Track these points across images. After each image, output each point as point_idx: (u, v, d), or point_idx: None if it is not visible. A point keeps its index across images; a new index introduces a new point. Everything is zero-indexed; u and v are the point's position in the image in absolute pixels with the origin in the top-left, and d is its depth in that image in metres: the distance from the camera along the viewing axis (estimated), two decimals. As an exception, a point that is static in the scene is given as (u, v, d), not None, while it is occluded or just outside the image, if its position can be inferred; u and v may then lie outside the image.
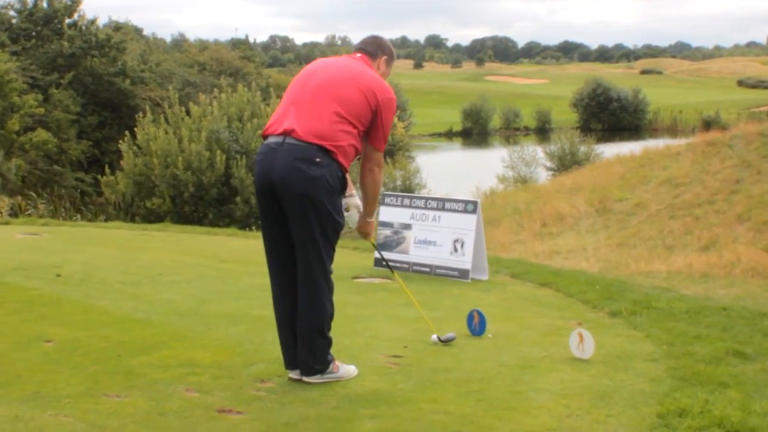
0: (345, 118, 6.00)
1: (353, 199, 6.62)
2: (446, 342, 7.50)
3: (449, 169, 54.77)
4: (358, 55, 6.50)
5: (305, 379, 6.20)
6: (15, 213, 24.03)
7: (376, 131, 6.20)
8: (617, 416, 5.63)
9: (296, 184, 5.86)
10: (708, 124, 74.95)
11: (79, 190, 39.79)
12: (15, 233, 15.05)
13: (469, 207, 11.22)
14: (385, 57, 6.58)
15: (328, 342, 6.25)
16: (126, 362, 6.75)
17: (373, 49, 6.57)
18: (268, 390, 6.14)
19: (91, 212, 28.55)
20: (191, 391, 6.06)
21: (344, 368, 6.37)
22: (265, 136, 6.16)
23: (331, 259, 6.18)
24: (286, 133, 5.97)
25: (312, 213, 5.92)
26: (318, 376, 6.20)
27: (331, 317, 6.21)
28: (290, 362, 6.39)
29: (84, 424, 5.36)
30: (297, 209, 5.94)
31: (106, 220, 24.72)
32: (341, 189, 6.08)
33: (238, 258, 12.23)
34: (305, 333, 6.16)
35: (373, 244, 7.79)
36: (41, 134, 37.75)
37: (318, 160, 5.86)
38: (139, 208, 28.02)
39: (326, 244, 6.07)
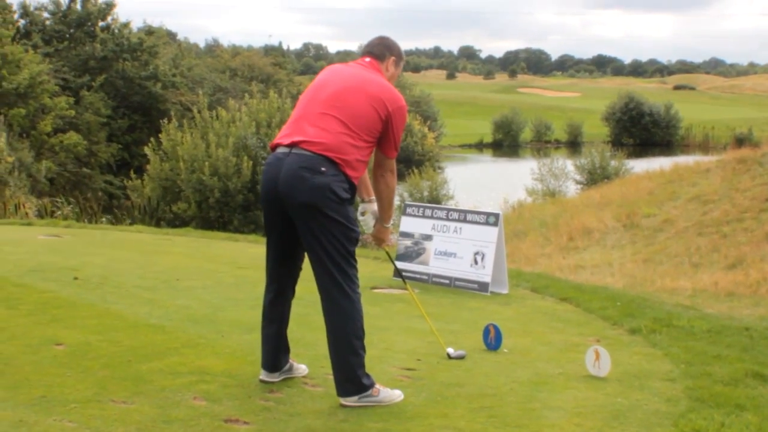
0: (353, 131, 5.94)
1: (371, 205, 6.58)
2: (456, 359, 7.41)
3: (478, 181, 54.69)
4: (367, 59, 6.43)
5: (342, 400, 6.05)
6: (41, 215, 24.09)
7: (387, 140, 6.13)
8: (630, 436, 5.54)
9: (300, 192, 5.80)
10: (740, 141, 74.39)
11: (107, 193, 39.98)
12: (37, 234, 15.06)
13: (490, 219, 11.13)
14: (393, 58, 6.51)
15: (359, 360, 6.05)
16: (135, 368, 6.69)
17: (381, 50, 6.50)
18: (277, 400, 6.07)
19: (117, 216, 28.60)
20: (199, 399, 5.99)
21: (385, 392, 6.16)
22: (273, 148, 6.11)
23: (353, 268, 6.05)
24: (293, 144, 5.92)
25: (317, 222, 5.84)
26: (355, 398, 6.02)
27: (356, 333, 6.02)
28: (266, 363, 6.48)
29: (88, 430, 5.30)
30: (302, 218, 5.87)
31: (131, 224, 24.75)
32: (350, 198, 5.99)
33: (257, 265, 12.07)
34: (334, 351, 6.05)
35: (388, 253, 7.72)
36: (72, 136, 37.97)
37: (323, 169, 5.80)
38: (164, 213, 28.05)
39: (340, 255, 5.94)
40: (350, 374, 6.00)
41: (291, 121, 6.21)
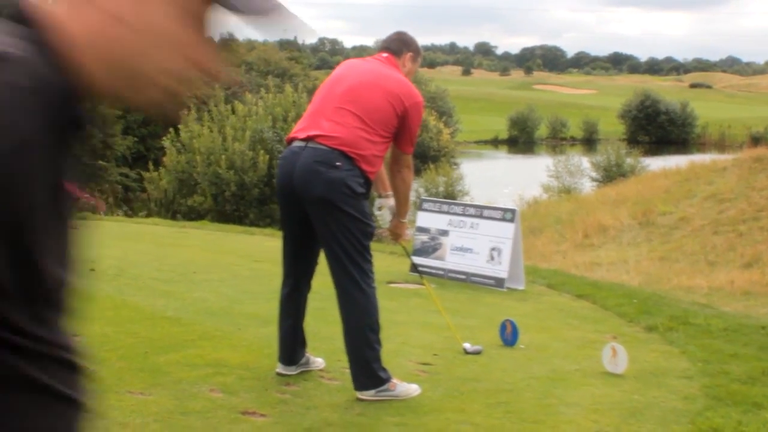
0: (369, 126, 5.95)
1: (388, 200, 6.59)
2: (473, 354, 7.40)
3: (493, 177, 54.62)
4: (384, 54, 6.44)
5: (358, 394, 6.06)
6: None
7: (404, 135, 6.14)
8: (647, 434, 5.52)
9: (315, 186, 5.82)
10: (756, 140, 74.07)
11: (123, 186, 40.03)
12: (53, 226, 15.06)
13: (507, 215, 11.11)
14: (410, 53, 6.50)
15: (375, 354, 6.07)
16: (153, 360, 6.71)
17: (398, 46, 6.50)
18: (294, 393, 6.08)
19: (132, 208, 28.64)
20: (216, 391, 6.00)
21: (402, 387, 6.18)
22: (289, 142, 6.12)
23: (368, 263, 6.06)
24: (309, 139, 5.93)
25: (332, 217, 5.86)
26: (372, 391, 6.03)
27: (372, 327, 6.04)
28: (283, 356, 6.50)
29: (104, 421, 5.29)
30: (317, 213, 5.89)
31: (147, 216, 24.79)
32: (365, 193, 5.98)
33: (273, 258, 12.02)
34: (349, 345, 6.08)
35: (404, 248, 7.73)
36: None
37: (338, 164, 5.81)
38: (180, 206, 28.05)
39: (356, 250, 5.95)
40: (366, 368, 6.01)
41: (307, 115, 6.22)
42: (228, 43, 1.51)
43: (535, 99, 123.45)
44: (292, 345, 6.44)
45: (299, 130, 6.10)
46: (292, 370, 6.48)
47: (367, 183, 6.00)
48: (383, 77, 6.16)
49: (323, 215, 5.86)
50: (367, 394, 6.02)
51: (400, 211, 6.57)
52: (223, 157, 26.84)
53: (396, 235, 6.79)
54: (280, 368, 6.49)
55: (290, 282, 6.39)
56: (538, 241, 24.75)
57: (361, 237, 5.94)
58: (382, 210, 6.62)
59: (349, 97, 6.03)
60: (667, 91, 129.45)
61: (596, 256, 22.20)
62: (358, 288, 5.95)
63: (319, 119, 6.03)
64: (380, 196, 6.62)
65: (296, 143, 6.03)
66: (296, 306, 6.41)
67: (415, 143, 6.28)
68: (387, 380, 6.05)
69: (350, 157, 5.84)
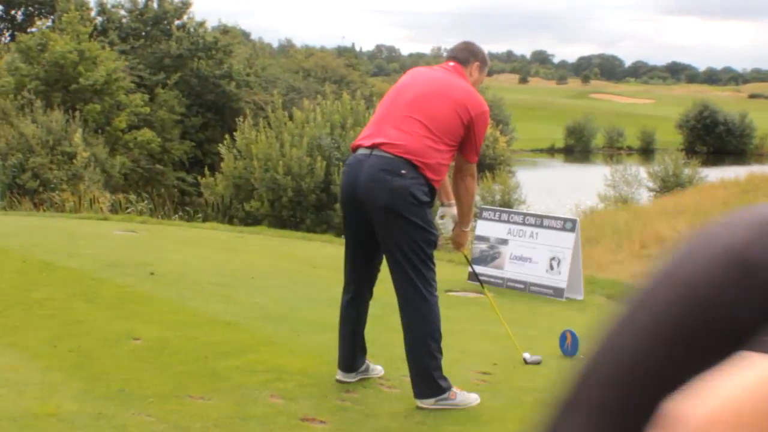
0: (435, 135, 5.91)
1: (450, 209, 6.57)
2: (532, 364, 7.36)
3: (549, 186, 54.40)
4: (451, 63, 6.41)
5: (418, 403, 6.03)
6: (115, 210, 24.32)
7: (469, 144, 6.11)
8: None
9: (379, 194, 5.80)
10: (815, 152, 73.47)
11: (179, 190, 40.28)
12: (113, 230, 15.20)
13: (567, 225, 11.05)
14: (477, 63, 6.47)
15: (436, 363, 6.03)
16: (212, 364, 6.73)
17: (465, 56, 6.47)
18: (354, 400, 6.08)
19: (189, 213, 28.81)
20: (276, 397, 6.01)
21: (463, 396, 6.14)
22: (354, 149, 6.11)
23: (431, 271, 6.03)
24: (374, 146, 5.91)
25: (395, 225, 5.84)
26: (432, 400, 6.00)
27: (433, 336, 6.00)
28: (342, 363, 6.50)
29: (166, 425, 5.34)
30: (381, 221, 5.87)
31: (203, 221, 24.92)
32: (429, 201, 5.96)
33: (332, 265, 12.09)
34: (410, 353, 6.06)
35: (466, 257, 7.71)
36: (146, 133, 38.32)
37: (403, 172, 5.78)
38: (237, 211, 28.18)
39: (418, 258, 5.92)
40: (427, 377, 5.98)
41: (373, 123, 6.21)
42: None
43: (591, 108, 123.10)
44: (351, 352, 6.44)
45: (364, 137, 6.09)
46: (351, 377, 6.47)
47: (432, 191, 5.97)
48: (450, 86, 6.13)
49: (387, 223, 5.84)
50: (427, 403, 5.99)
51: (462, 220, 6.53)
52: (281, 162, 26.93)
53: (458, 244, 6.76)
54: (339, 375, 6.48)
55: (352, 289, 6.39)
56: (595, 251, 24.60)
57: (424, 245, 5.91)
58: (445, 219, 6.61)
59: (416, 105, 6.00)
60: (726, 101, 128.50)
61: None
62: (421, 296, 5.92)
63: (384, 127, 6.01)
64: (443, 205, 6.60)
65: (361, 151, 6.02)
66: (357, 313, 6.41)
67: (479, 153, 6.26)
68: (447, 389, 6.02)
69: (415, 166, 5.82)
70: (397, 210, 5.79)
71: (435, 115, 5.95)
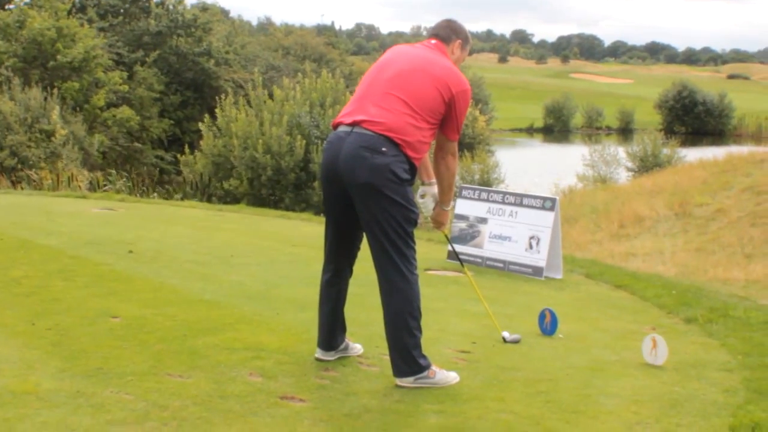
0: (416, 113, 5.88)
1: (431, 188, 6.54)
2: (511, 342, 7.36)
3: (528, 165, 54.46)
4: (433, 41, 6.37)
5: (397, 381, 6.02)
6: (93, 188, 24.26)
7: (450, 122, 6.08)
8: (688, 426, 5.47)
9: (359, 172, 5.77)
10: (795, 133, 73.68)
11: (158, 168, 40.21)
12: (91, 207, 15.15)
13: (547, 204, 11.05)
14: (459, 41, 6.44)
15: (415, 341, 6.01)
16: (191, 342, 6.71)
17: (447, 33, 6.43)
18: (333, 379, 6.06)
19: (167, 191, 28.76)
20: (254, 375, 5.99)
21: (441, 374, 6.12)
22: (335, 126, 6.08)
23: (411, 249, 6.01)
24: (355, 124, 5.89)
25: (376, 202, 5.81)
26: (411, 378, 5.99)
27: (413, 314, 5.98)
28: (322, 341, 6.50)
29: (145, 403, 5.32)
30: (361, 198, 5.84)
31: (182, 199, 24.86)
32: (410, 179, 5.94)
33: (311, 243, 12.12)
34: (390, 331, 6.02)
35: (446, 235, 7.70)
36: (124, 111, 38.21)
37: (384, 149, 5.76)
38: (216, 189, 28.14)
39: (398, 236, 5.90)
40: (406, 355, 5.98)
41: (353, 100, 6.17)
42: None
43: (571, 87, 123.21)
44: (331, 330, 6.43)
45: (345, 114, 6.06)
46: (330, 356, 6.47)
47: (413, 169, 5.95)
48: (431, 63, 6.10)
49: (367, 201, 5.82)
50: (406, 381, 5.99)
51: (443, 199, 6.51)
52: (260, 141, 26.90)
53: (438, 223, 6.74)
54: (319, 353, 6.47)
55: (331, 267, 6.38)
56: (573, 230, 24.66)
57: (405, 223, 5.89)
58: (425, 197, 6.58)
59: (397, 82, 5.97)
60: (705, 81, 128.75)
61: (632, 246, 22.10)
62: (401, 274, 5.91)
63: (365, 104, 5.98)
64: (423, 184, 6.57)
65: (342, 128, 5.99)
66: (337, 291, 6.40)
67: (461, 131, 6.23)
68: (426, 367, 6.02)
69: (396, 143, 5.79)
70: (377, 188, 5.76)
71: (416, 93, 5.92)
